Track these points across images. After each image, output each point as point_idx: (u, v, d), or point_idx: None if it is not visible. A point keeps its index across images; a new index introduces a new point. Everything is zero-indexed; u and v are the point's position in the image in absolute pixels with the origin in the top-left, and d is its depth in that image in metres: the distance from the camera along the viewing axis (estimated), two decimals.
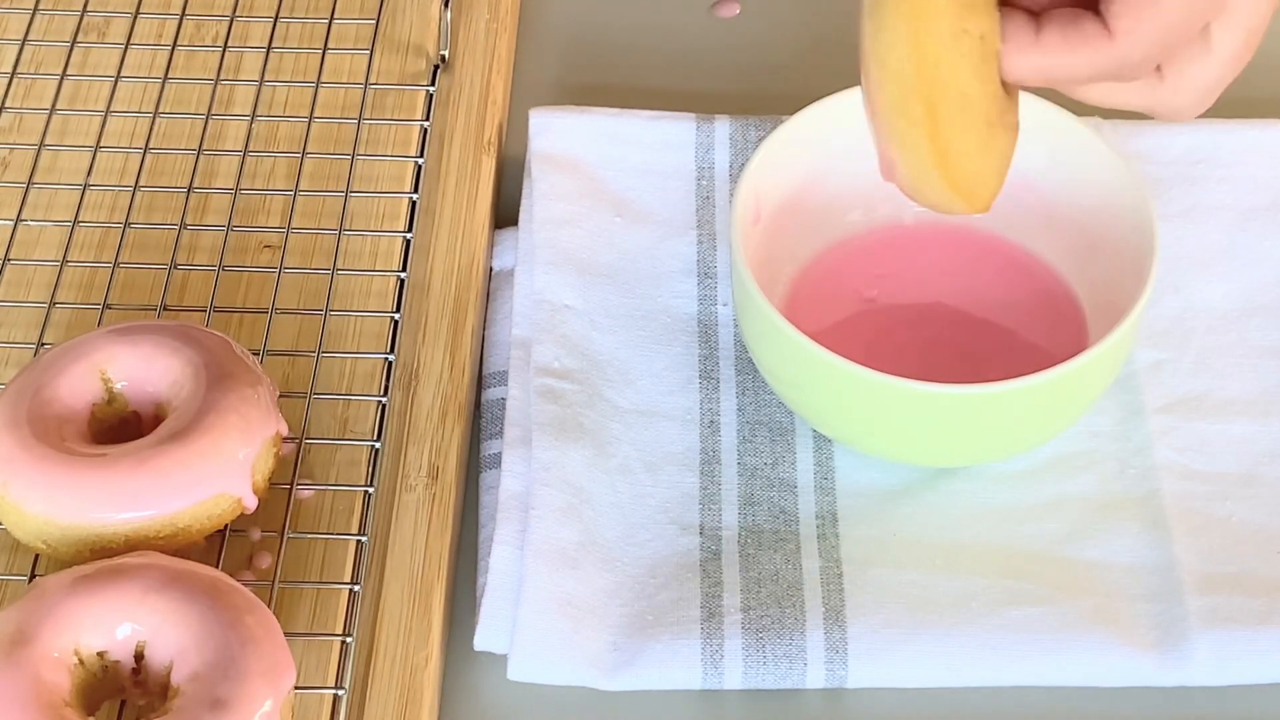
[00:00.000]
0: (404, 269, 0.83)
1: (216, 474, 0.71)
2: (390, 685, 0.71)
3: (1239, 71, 0.68)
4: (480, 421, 0.81)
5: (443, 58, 0.90)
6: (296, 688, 0.67)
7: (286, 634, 0.67)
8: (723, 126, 0.88)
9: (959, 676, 0.73)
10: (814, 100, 0.80)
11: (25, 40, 0.91)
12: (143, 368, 0.74)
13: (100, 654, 0.67)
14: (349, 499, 0.76)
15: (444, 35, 0.90)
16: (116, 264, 0.82)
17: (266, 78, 0.89)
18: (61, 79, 0.89)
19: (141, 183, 0.85)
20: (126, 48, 0.91)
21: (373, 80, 0.89)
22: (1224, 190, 0.86)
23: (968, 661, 0.73)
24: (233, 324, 0.81)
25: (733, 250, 0.76)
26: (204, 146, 0.87)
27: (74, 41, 0.91)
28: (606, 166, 0.87)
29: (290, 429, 0.75)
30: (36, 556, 0.73)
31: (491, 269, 0.85)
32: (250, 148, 0.87)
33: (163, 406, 0.73)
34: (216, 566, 0.72)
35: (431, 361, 0.80)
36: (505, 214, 0.88)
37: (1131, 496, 0.77)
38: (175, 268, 0.82)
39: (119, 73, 0.89)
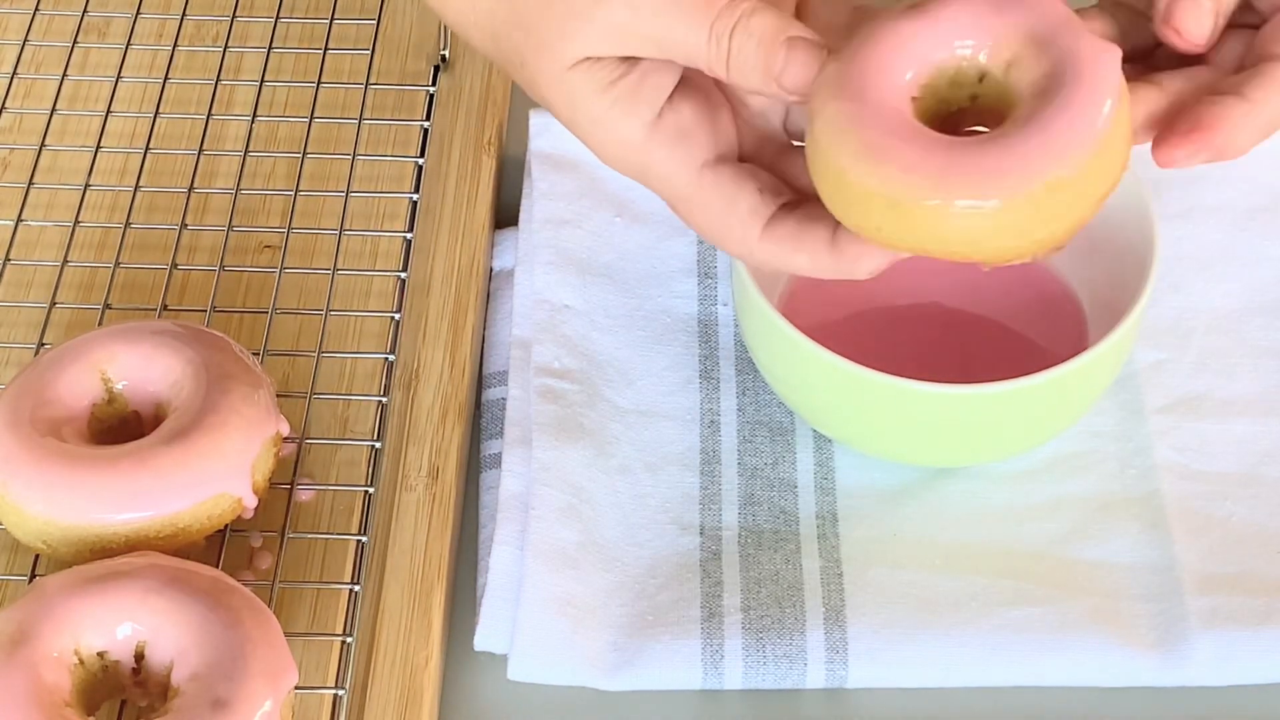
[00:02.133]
0: (404, 269, 0.83)
1: (216, 474, 0.71)
2: (390, 685, 0.71)
3: None
4: (480, 421, 0.81)
5: (443, 58, 0.90)
6: (296, 688, 0.67)
7: (286, 634, 0.67)
8: None
9: (959, 676, 0.73)
10: None
11: (25, 40, 0.91)
12: (143, 368, 0.74)
13: (100, 654, 0.67)
14: (349, 499, 0.76)
15: (444, 35, 0.90)
16: (117, 264, 0.82)
17: (266, 78, 0.89)
18: (61, 79, 0.89)
19: (141, 183, 0.85)
20: (126, 48, 0.91)
21: (373, 80, 0.89)
22: (1224, 190, 0.86)
23: (968, 661, 0.73)
24: (233, 324, 0.81)
25: None
26: (204, 146, 0.87)
27: (74, 41, 0.91)
28: (606, 166, 0.87)
29: (290, 429, 0.75)
30: (36, 556, 0.73)
31: (491, 269, 0.85)
32: (250, 148, 0.87)
33: (163, 406, 0.73)
34: (216, 567, 0.72)
35: (431, 361, 0.80)
36: (505, 214, 0.87)
37: (1131, 496, 0.77)
38: (175, 268, 0.82)
39: (119, 73, 0.89)
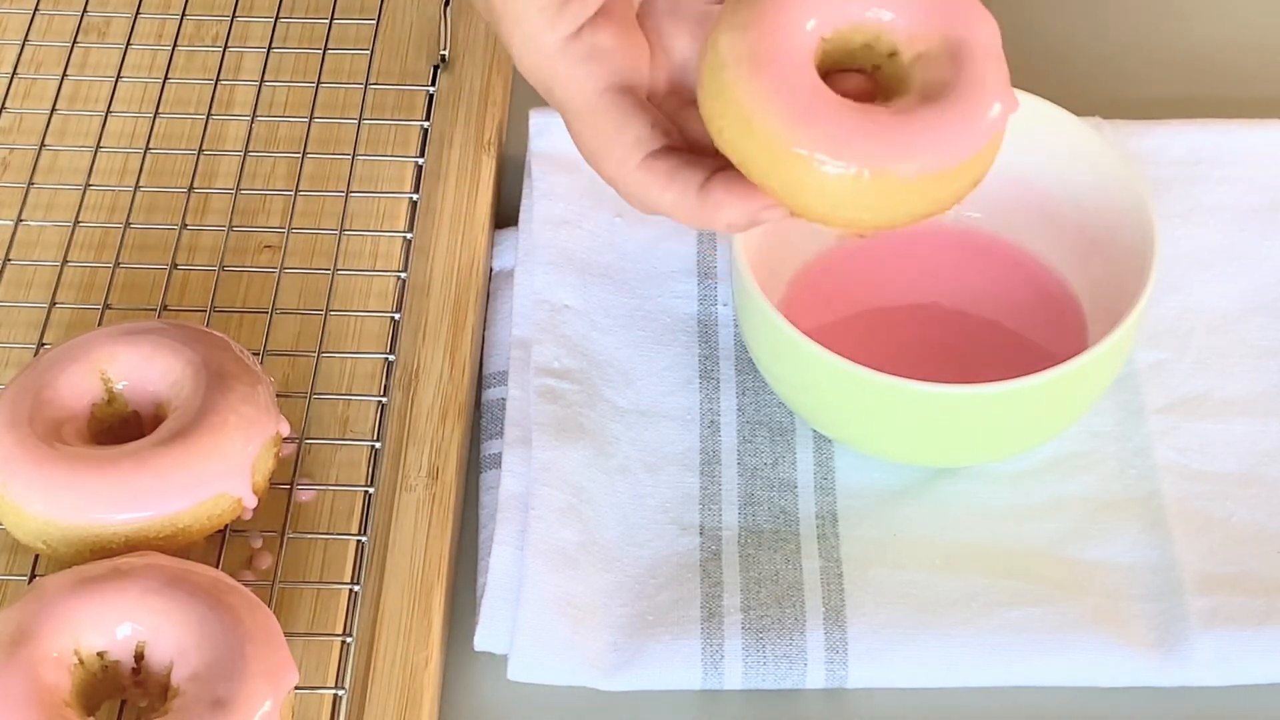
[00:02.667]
0: (404, 269, 0.83)
1: (216, 474, 0.71)
2: (390, 685, 0.71)
3: None
4: (480, 421, 0.81)
5: (443, 58, 0.90)
6: (296, 688, 0.67)
7: (286, 634, 0.67)
8: None
9: (959, 676, 0.73)
10: None
11: (25, 40, 0.91)
12: (143, 368, 0.74)
13: (100, 654, 0.67)
14: (349, 499, 0.76)
15: (444, 35, 0.90)
16: (116, 264, 0.82)
17: (266, 78, 0.89)
18: (61, 79, 0.89)
19: (141, 183, 0.85)
20: (126, 48, 0.91)
21: (373, 80, 0.89)
22: (1224, 190, 0.86)
23: (968, 661, 0.73)
24: (233, 324, 0.81)
25: (733, 250, 0.76)
26: (204, 146, 0.87)
27: (74, 41, 0.91)
28: None
29: (290, 429, 0.75)
30: (36, 556, 0.73)
31: (491, 269, 0.85)
32: (250, 148, 0.87)
33: (163, 406, 0.73)
34: (216, 567, 0.72)
35: (431, 361, 0.80)
36: (505, 214, 0.88)
37: (1131, 496, 0.77)
38: (175, 268, 0.82)
39: (119, 73, 0.89)
